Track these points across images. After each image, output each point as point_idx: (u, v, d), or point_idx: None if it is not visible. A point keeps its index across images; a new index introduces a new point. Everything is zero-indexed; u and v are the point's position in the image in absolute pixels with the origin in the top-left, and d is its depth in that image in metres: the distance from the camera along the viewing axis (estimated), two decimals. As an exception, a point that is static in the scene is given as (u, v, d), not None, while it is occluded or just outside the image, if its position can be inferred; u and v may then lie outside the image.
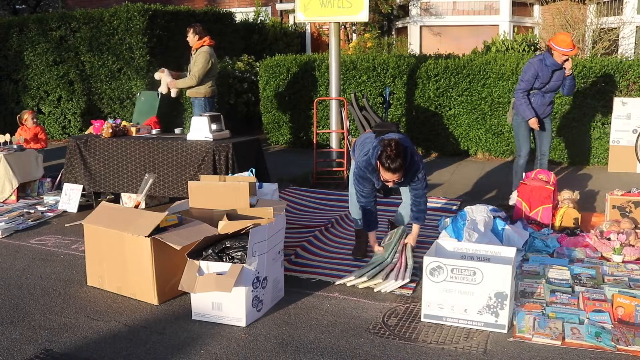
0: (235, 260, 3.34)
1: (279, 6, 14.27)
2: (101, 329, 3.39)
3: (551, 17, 11.37)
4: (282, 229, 3.77)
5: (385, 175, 3.82)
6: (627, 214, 4.92)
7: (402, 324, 3.40)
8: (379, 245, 4.30)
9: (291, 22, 13.78)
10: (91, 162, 5.96)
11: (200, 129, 5.63)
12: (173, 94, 6.95)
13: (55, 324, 3.47)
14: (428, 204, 4.32)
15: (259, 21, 12.78)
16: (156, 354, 3.11)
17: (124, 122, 6.32)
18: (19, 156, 6.49)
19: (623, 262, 4.26)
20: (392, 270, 4.01)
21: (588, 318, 3.32)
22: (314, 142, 7.11)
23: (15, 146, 6.68)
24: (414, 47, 12.45)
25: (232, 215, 3.81)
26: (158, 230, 3.65)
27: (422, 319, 3.42)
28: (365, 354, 3.07)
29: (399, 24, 13.16)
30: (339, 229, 5.23)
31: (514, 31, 11.94)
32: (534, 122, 5.59)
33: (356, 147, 4.34)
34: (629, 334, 3.15)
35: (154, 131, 6.26)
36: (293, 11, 12.23)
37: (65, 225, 4.94)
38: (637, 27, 10.76)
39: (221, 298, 3.37)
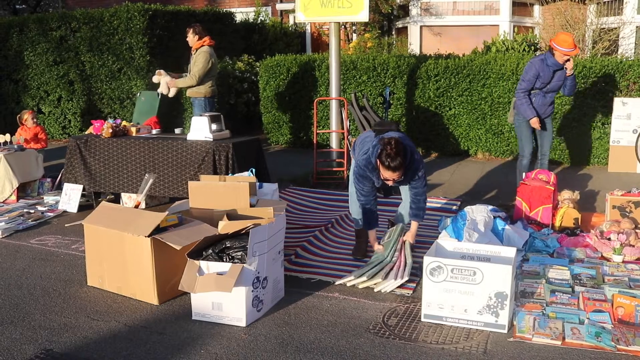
0: (236, 260, 3.34)
1: (279, 6, 14.27)
2: (101, 329, 3.39)
3: (551, 17, 11.37)
4: (282, 229, 3.76)
5: (385, 173, 3.82)
6: (627, 214, 4.92)
7: (402, 324, 3.40)
8: (379, 244, 4.30)
9: (291, 22, 13.78)
10: (91, 162, 5.96)
11: (201, 129, 5.64)
12: (172, 94, 6.93)
13: (55, 324, 3.47)
14: (428, 204, 4.32)
15: (259, 21, 12.78)
16: (156, 354, 3.11)
17: (124, 122, 6.32)
18: (19, 156, 6.49)
19: (623, 262, 4.26)
20: (391, 269, 4.01)
21: (588, 318, 3.32)
22: (314, 142, 7.11)
23: (15, 146, 6.68)
24: (414, 47, 12.45)
25: (232, 215, 3.81)
26: (158, 230, 3.65)
27: (422, 319, 3.42)
28: (365, 354, 3.07)
29: (399, 24, 13.16)
30: (339, 229, 5.23)
31: (514, 31, 11.94)
32: (535, 122, 5.58)
33: (356, 146, 4.34)
34: (629, 334, 3.15)
35: (154, 131, 6.26)
36: (293, 11, 12.25)
37: (66, 225, 4.94)
38: (637, 27, 10.75)
39: (221, 298, 3.37)
